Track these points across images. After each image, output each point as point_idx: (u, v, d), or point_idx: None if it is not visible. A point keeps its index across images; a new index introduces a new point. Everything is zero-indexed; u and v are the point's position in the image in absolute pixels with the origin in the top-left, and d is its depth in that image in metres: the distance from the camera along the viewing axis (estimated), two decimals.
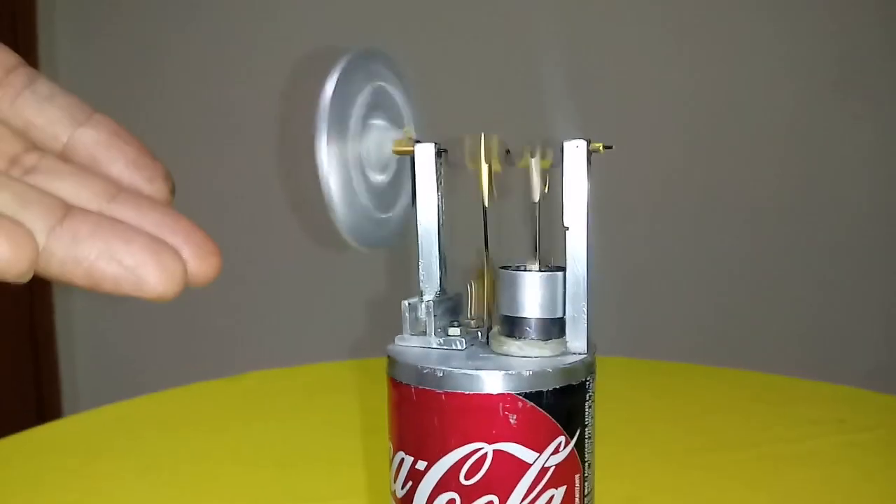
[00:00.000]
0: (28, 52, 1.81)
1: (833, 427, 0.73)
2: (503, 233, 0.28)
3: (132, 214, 0.21)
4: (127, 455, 0.67)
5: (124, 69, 1.64)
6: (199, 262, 0.21)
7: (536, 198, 0.25)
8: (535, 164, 0.25)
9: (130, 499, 0.59)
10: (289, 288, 1.48)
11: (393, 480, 0.27)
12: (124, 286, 0.20)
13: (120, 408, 0.79)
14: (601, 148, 0.25)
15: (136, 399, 0.80)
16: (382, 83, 0.29)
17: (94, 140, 0.23)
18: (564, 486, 0.25)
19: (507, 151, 0.27)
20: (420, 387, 0.25)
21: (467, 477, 0.24)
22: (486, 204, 0.26)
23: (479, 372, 0.24)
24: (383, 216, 0.29)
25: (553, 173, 0.26)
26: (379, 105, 0.29)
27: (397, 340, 0.27)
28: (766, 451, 0.69)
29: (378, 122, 0.29)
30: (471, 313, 0.28)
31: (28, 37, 1.77)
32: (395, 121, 0.30)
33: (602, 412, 0.30)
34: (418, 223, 0.28)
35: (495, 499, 0.24)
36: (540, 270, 0.25)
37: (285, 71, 1.32)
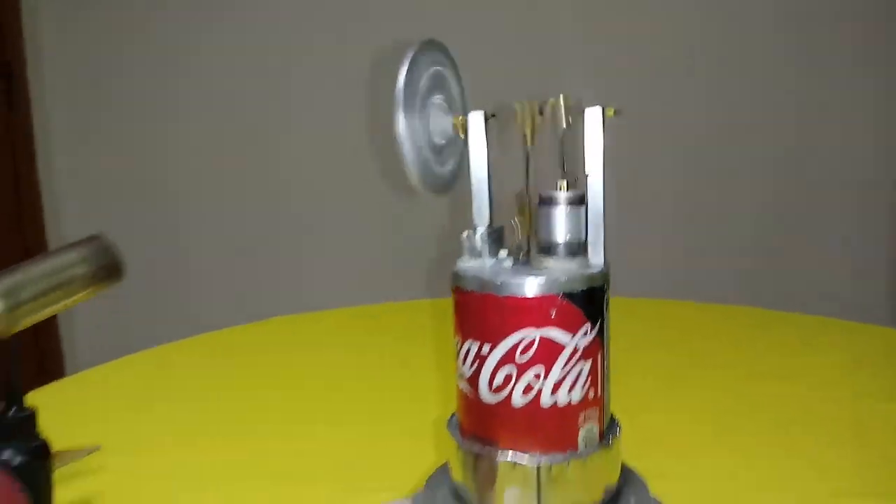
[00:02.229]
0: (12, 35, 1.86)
1: (809, 349, 0.84)
2: (538, 179, 0.37)
3: None
4: (203, 385, 0.77)
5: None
6: None
7: (565, 125, 0.34)
8: (562, 103, 0.34)
9: (201, 419, 0.68)
10: (374, 232, 1.79)
11: (461, 365, 0.36)
12: None
13: (170, 349, 0.88)
14: (612, 112, 0.34)
15: (188, 339, 0.89)
16: (439, 68, 0.37)
17: None
18: (590, 361, 0.34)
19: (541, 112, 0.35)
20: (484, 293, 0.34)
21: (521, 354, 0.33)
22: (529, 149, 0.35)
23: (529, 278, 0.33)
24: (442, 169, 0.38)
25: (576, 133, 0.35)
26: (437, 85, 0.37)
27: (460, 263, 0.36)
28: (751, 370, 0.79)
29: (437, 98, 0.37)
30: (517, 240, 0.36)
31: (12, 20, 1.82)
32: (449, 96, 0.38)
33: None
34: (472, 172, 0.37)
35: (542, 369, 0.33)
36: (567, 201, 0.34)
37: (371, 59, 1.57)
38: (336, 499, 0.55)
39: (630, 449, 0.38)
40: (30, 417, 0.49)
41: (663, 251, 1.87)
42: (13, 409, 0.48)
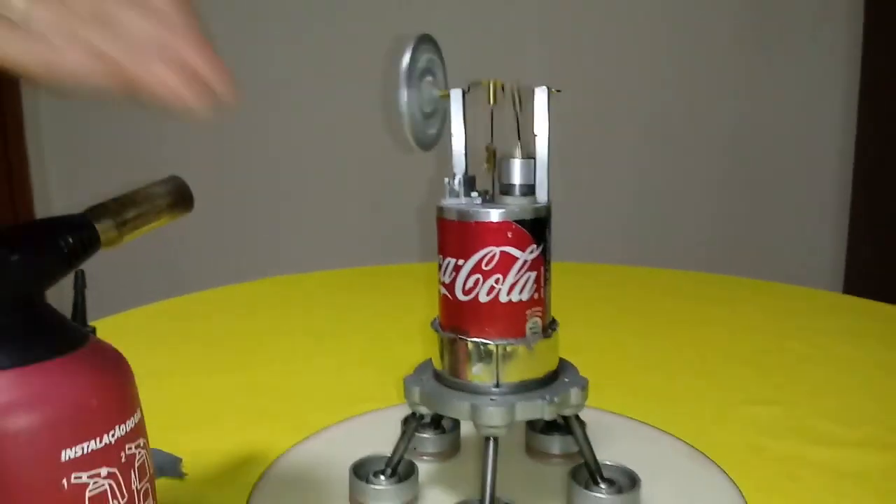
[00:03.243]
0: None
1: (735, 303, 0.99)
2: (500, 141, 0.49)
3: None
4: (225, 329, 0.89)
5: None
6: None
7: (518, 102, 0.47)
8: (516, 89, 0.47)
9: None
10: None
11: (442, 275, 0.48)
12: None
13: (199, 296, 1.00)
14: (555, 91, 0.46)
15: (192, 295, 1.01)
16: (430, 55, 0.50)
17: None
18: (536, 271, 0.47)
19: (502, 87, 0.48)
20: (460, 220, 0.47)
21: (486, 265, 0.46)
22: (493, 115, 0.48)
23: (492, 210, 0.46)
24: (431, 132, 0.50)
25: (527, 105, 0.47)
26: (428, 67, 0.50)
27: (443, 200, 0.49)
28: (683, 319, 0.93)
29: (428, 78, 0.49)
30: (485, 185, 0.49)
31: None
32: (436, 76, 0.50)
33: None
34: (452, 134, 0.49)
35: (501, 276, 0.46)
36: (522, 155, 0.47)
37: (386, 46, 1.70)
38: (332, 410, 0.68)
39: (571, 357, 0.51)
40: (92, 334, 0.61)
41: (620, 221, 2.05)
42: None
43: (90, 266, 0.49)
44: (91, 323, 0.70)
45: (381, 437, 0.56)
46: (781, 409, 0.68)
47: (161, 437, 0.54)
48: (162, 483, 0.55)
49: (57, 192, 2.19)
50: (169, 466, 0.57)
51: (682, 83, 2.01)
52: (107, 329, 0.83)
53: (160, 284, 1.37)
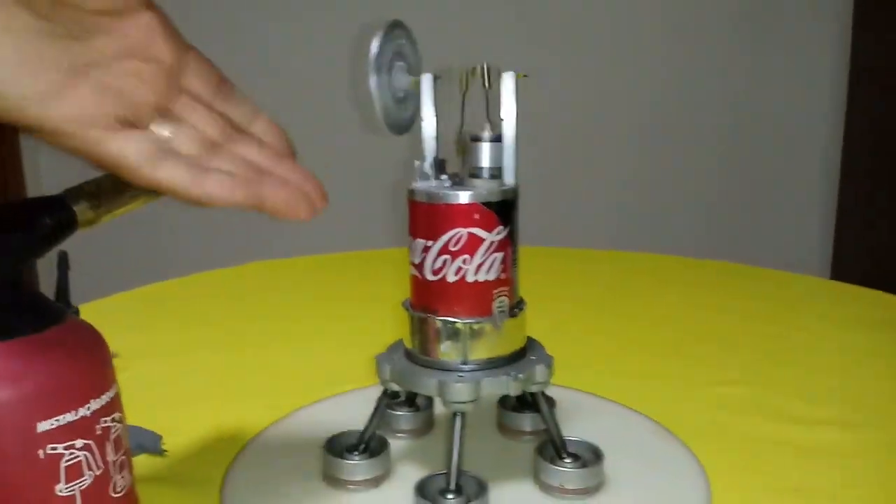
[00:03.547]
0: None
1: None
2: (472, 126, 0.51)
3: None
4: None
5: None
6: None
7: (487, 86, 0.48)
8: (486, 70, 0.48)
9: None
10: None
11: (413, 257, 0.50)
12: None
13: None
14: (522, 75, 0.48)
15: (179, 279, 1.02)
16: (402, 41, 0.51)
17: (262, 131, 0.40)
18: (503, 252, 0.48)
19: (473, 70, 0.49)
20: (429, 202, 0.48)
21: (453, 246, 0.48)
22: (464, 99, 0.49)
23: (460, 192, 0.47)
24: (402, 115, 0.51)
25: (495, 88, 0.48)
26: (400, 53, 0.51)
27: (413, 183, 0.50)
28: (659, 301, 0.95)
29: (400, 63, 0.50)
30: (454, 167, 0.50)
31: None
32: (409, 62, 0.51)
33: None
34: (423, 118, 0.50)
35: (468, 257, 0.48)
36: (490, 139, 0.48)
37: (355, 32, 1.69)
38: (309, 390, 0.69)
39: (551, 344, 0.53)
40: (76, 314, 0.62)
41: (609, 209, 2.05)
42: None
43: (80, 252, 0.50)
44: (78, 306, 0.71)
45: (356, 415, 0.58)
46: (748, 388, 0.70)
47: (143, 415, 0.56)
48: (142, 459, 0.57)
49: (47, 178, 2.19)
50: (149, 443, 0.58)
51: (673, 72, 2.02)
52: (92, 311, 0.85)
53: (145, 271, 1.38)
